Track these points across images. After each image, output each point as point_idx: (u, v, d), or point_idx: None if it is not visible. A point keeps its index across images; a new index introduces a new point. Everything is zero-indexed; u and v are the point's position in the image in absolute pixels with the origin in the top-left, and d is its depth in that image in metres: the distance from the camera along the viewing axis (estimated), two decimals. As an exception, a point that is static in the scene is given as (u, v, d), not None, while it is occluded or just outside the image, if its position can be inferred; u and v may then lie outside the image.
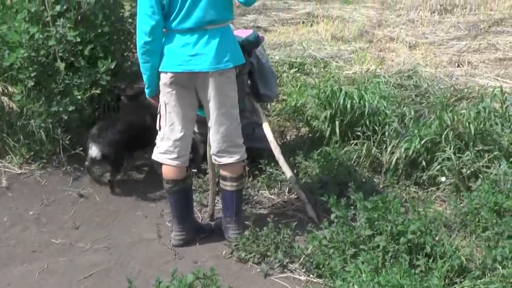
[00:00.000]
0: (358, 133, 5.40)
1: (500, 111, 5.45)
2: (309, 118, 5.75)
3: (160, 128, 4.23)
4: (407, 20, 9.48)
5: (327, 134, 5.48)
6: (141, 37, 3.98)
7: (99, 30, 5.43)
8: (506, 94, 5.70)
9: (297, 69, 7.21)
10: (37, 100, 5.23)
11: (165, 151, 4.22)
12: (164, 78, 4.06)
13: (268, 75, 5.10)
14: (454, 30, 9.04)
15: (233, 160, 4.21)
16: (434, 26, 9.21)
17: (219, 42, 3.96)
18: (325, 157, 5.17)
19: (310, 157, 5.23)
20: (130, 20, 5.76)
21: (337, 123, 5.46)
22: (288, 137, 5.76)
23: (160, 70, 4.06)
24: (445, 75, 7.15)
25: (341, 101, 5.52)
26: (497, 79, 7.09)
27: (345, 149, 5.35)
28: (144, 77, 4.15)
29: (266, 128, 4.94)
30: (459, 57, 7.88)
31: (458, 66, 7.63)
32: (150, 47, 3.99)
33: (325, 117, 5.55)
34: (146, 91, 4.24)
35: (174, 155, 4.21)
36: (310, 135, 5.71)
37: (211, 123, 4.13)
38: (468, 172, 4.83)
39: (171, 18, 3.97)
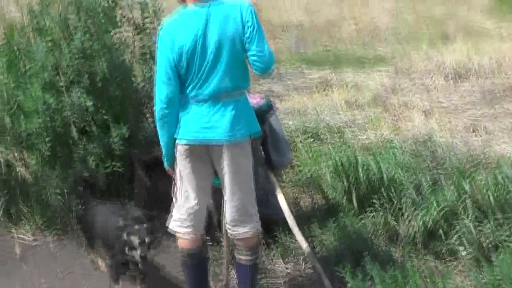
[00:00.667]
0: (374, 202, 5.34)
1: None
2: (324, 187, 5.69)
3: (175, 197, 4.19)
4: (422, 86, 9.46)
5: (343, 203, 5.42)
6: (158, 105, 3.99)
7: (112, 97, 5.45)
8: (524, 162, 5.64)
9: (311, 136, 7.17)
10: (52, 167, 5.22)
11: (179, 221, 4.17)
12: (179, 147, 4.05)
13: (281, 143, 5.08)
14: (469, 96, 9.00)
15: (247, 230, 4.15)
16: (448, 92, 9.18)
17: (235, 113, 3.94)
18: (340, 227, 5.10)
19: (326, 226, 5.17)
20: (144, 86, 5.78)
21: (353, 193, 5.40)
22: (302, 206, 5.69)
23: (175, 139, 4.04)
24: (461, 142, 7.08)
25: (358, 171, 5.48)
26: (515, 146, 7.02)
27: (361, 217, 5.29)
28: (162, 144, 4.13)
29: (280, 196, 4.89)
30: (475, 123, 7.83)
31: (474, 132, 7.56)
32: (166, 116, 4.00)
33: (341, 186, 5.50)
34: (165, 161, 4.21)
35: (188, 225, 4.16)
36: (325, 204, 5.65)
37: (226, 193, 4.10)
38: (488, 243, 4.74)
39: (187, 87, 3.96)
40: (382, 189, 5.41)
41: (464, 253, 4.81)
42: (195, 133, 3.98)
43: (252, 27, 3.91)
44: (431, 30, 13.55)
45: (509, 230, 4.77)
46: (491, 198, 4.97)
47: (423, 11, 15.22)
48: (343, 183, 5.49)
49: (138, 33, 5.90)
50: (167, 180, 4.87)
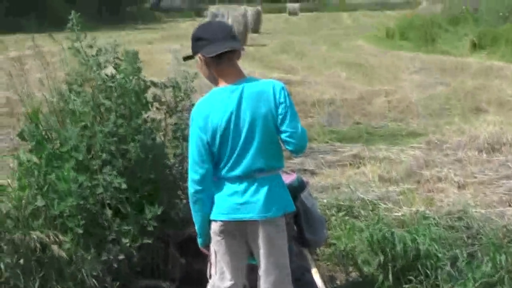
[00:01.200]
0: (410, 277, 5.30)
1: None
2: (359, 263, 5.68)
3: (210, 276, 4.20)
4: (455, 159, 9.44)
5: (379, 279, 5.39)
6: (192, 186, 4.02)
7: (145, 178, 5.52)
8: None
9: (345, 212, 7.17)
10: (87, 247, 5.26)
11: None
12: (214, 226, 4.07)
13: (315, 220, 5.08)
14: (503, 169, 8.97)
15: None
16: (482, 165, 9.15)
17: (268, 190, 3.97)
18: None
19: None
20: (176, 166, 5.86)
21: (389, 268, 5.38)
22: (338, 282, 5.67)
23: (210, 218, 4.07)
24: (497, 216, 7.04)
25: (392, 244, 5.46)
26: (551, 218, 6.95)
27: (398, 294, 5.25)
28: (196, 226, 4.17)
29: (315, 274, 4.88)
30: (510, 196, 7.78)
31: (510, 205, 7.51)
32: (200, 196, 4.02)
33: (376, 261, 5.48)
34: (199, 240, 4.24)
35: None
36: (360, 279, 5.62)
37: (261, 271, 4.10)
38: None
39: (221, 166, 4.01)
40: (418, 264, 5.39)
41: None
42: (229, 210, 4.00)
43: (284, 105, 3.96)
44: (463, 103, 13.60)
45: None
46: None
47: (454, 84, 15.32)
48: (379, 258, 5.47)
49: (170, 115, 6.00)
50: (202, 259, 4.91)
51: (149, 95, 5.76)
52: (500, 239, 6.08)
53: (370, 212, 7.29)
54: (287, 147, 4.03)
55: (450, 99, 14.07)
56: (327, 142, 10.81)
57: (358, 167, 9.26)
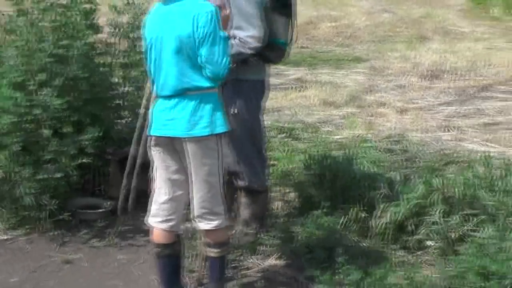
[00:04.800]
0: (347, 198, 5.41)
1: (487, 175, 5.46)
2: (297, 183, 5.76)
3: (152, 191, 4.24)
4: (397, 85, 9.57)
5: (316, 199, 5.48)
6: None
7: (86, 98, 5.49)
8: (493, 159, 5.73)
9: (286, 134, 7.24)
10: (24, 166, 5.23)
11: (154, 214, 4.22)
12: (149, 140, 4.13)
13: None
14: (443, 96, 9.13)
15: (210, 227, 4.16)
16: (423, 92, 9.30)
17: (195, 109, 3.97)
18: (313, 222, 5.16)
19: (298, 221, 5.23)
20: (122, 86, 5.85)
21: (326, 188, 5.48)
22: (277, 203, 5.75)
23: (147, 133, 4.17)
24: (434, 140, 7.19)
25: (330, 166, 5.55)
26: (485, 144, 7.13)
27: (334, 213, 5.34)
28: None
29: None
30: (448, 122, 7.94)
31: (447, 131, 7.67)
32: None
33: (314, 182, 5.57)
34: None
35: (161, 218, 4.18)
36: (298, 199, 5.71)
37: (190, 188, 4.13)
38: (455, 236, 4.83)
39: (155, 84, 4.10)
40: (355, 185, 5.49)
41: (431, 243, 4.90)
42: (160, 127, 4.05)
43: (204, 29, 3.92)
44: (408, 31, 13.68)
45: (475, 224, 4.85)
46: (459, 193, 5.06)
47: (400, 12, 15.36)
48: (317, 178, 5.56)
49: (124, 37, 5.96)
50: (142, 178, 4.95)
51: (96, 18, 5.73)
52: (435, 162, 6.22)
53: (311, 134, 7.36)
54: (204, 71, 4.00)
55: (396, 27, 14.15)
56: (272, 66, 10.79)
57: (301, 91, 9.32)
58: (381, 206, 5.21)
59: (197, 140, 3.99)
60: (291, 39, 5.03)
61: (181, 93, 3.99)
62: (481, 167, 5.64)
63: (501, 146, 7.11)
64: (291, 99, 8.78)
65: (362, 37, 13.21)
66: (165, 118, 4.01)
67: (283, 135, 7.19)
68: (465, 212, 4.97)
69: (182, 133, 3.98)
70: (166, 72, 3.99)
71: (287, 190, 5.84)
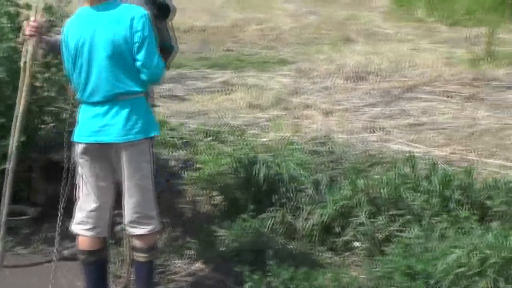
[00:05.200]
0: (273, 201, 5.41)
1: (412, 176, 5.52)
2: (224, 186, 5.73)
3: (77, 198, 4.16)
4: (322, 87, 9.62)
5: (242, 202, 5.47)
6: None
7: (9, 103, 5.35)
8: (417, 159, 5.81)
9: (212, 137, 7.20)
10: None
11: (80, 221, 4.15)
12: (77, 148, 4.04)
13: None
14: (368, 97, 9.21)
15: (144, 232, 4.12)
16: (348, 93, 9.37)
17: (129, 114, 3.94)
18: (239, 225, 5.15)
19: (225, 225, 5.21)
20: (44, 90, 5.73)
21: (252, 191, 5.47)
22: (202, 205, 5.71)
23: (73, 140, 4.06)
24: (359, 141, 7.25)
25: (256, 169, 5.55)
26: (410, 144, 7.22)
27: (260, 215, 5.34)
28: None
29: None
30: (373, 123, 8.02)
31: (372, 132, 7.74)
32: None
33: (240, 185, 5.56)
34: None
35: (89, 226, 4.13)
36: (224, 203, 5.68)
37: (123, 193, 4.08)
38: (381, 236, 4.87)
39: (81, 90, 4.00)
40: (282, 187, 5.50)
41: (357, 244, 4.94)
42: (91, 134, 3.97)
43: (141, 34, 3.91)
44: (333, 33, 13.80)
45: (401, 224, 4.91)
46: (385, 194, 5.11)
47: (325, 14, 15.49)
48: (242, 181, 5.55)
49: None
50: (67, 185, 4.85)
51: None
52: (361, 163, 6.27)
53: (238, 137, 7.35)
54: (140, 75, 3.97)
55: (321, 29, 14.24)
56: (198, 69, 10.77)
57: (228, 94, 9.30)
58: (308, 208, 5.25)
59: (132, 144, 3.98)
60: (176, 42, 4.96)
61: (113, 99, 3.95)
62: (406, 168, 5.71)
63: (425, 146, 7.20)
64: (217, 102, 8.75)
65: (288, 39, 13.26)
66: (97, 124, 3.96)
67: (209, 138, 7.16)
68: (391, 212, 5.04)
69: (118, 139, 3.94)
70: (97, 77, 3.92)
71: (214, 194, 5.81)
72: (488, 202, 5.19)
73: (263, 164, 5.60)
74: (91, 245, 4.18)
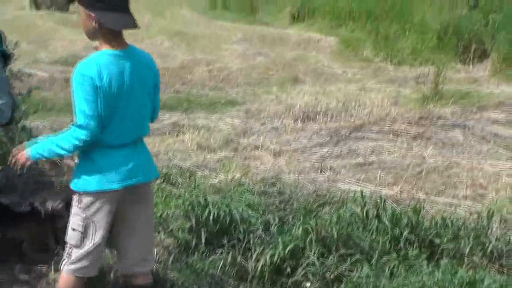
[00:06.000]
0: (224, 242, 5.40)
1: (361, 215, 5.58)
2: (174, 229, 5.71)
3: (77, 246, 4.08)
4: (272, 128, 9.68)
5: (193, 244, 5.45)
6: (80, 137, 3.90)
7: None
8: (366, 198, 5.87)
9: (162, 179, 7.16)
10: None
11: (83, 267, 4.11)
12: (102, 196, 4.01)
13: None
14: (317, 137, 9.28)
15: (151, 266, 4.40)
16: (297, 134, 9.44)
17: (148, 154, 4.24)
18: (190, 267, 5.12)
19: (176, 268, 5.18)
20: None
21: (202, 233, 5.46)
22: (156, 249, 5.66)
23: (98, 189, 3.98)
24: (308, 181, 7.29)
25: (207, 211, 5.55)
26: (358, 184, 7.29)
27: (211, 258, 5.32)
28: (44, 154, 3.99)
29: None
30: (322, 163, 8.08)
31: (321, 172, 7.79)
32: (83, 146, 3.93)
33: (190, 227, 5.55)
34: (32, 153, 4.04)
35: (93, 270, 4.18)
36: (176, 245, 5.65)
37: (134, 233, 4.18)
38: (332, 276, 4.89)
39: (109, 132, 3.93)
40: (232, 229, 5.50)
41: (308, 284, 4.95)
42: (123, 178, 3.98)
43: (158, 79, 4.16)
44: (281, 74, 13.91)
45: (351, 263, 4.94)
46: (334, 233, 5.15)
47: (274, 55, 15.62)
48: (192, 223, 5.54)
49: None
50: (18, 229, 4.82)
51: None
52: (310, 203, 6.31)
53: (187, 179, 7.33)
54: (152, 116, 4.23)
55: (269, 70, 14.33)
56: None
57: (177, 135, 9.29)
58: (258, 249, 5.24)
59: (150, 182, 4.25)
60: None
61: (137, 140, 4.06)
62: (355, 207, 5.76)
63: (374, 185, 7.28)
64: (167, 144, 8.73)
65: (237, 80, 13.31)
66: (128, 166, 4.00)
67: (159, 181, 7.12)
68: (341, 252, 5.07)
69: (151, 176, 4.19)
70: (131, 120, 3.96)
71: (164, 236, 5.77)
72: (437, 240, 5.27)
73: (213, 206, 5.60)
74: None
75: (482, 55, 14.85)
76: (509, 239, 5.50)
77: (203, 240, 5.40)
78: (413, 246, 5.17)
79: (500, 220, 5.85)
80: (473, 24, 15.48)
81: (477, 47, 14.80)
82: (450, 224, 5.49)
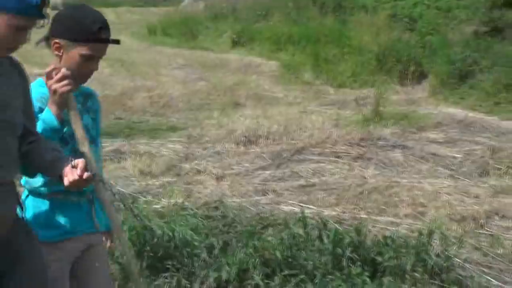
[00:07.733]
0: (168, 266, 5.37)
1: (304, 236, 5.61)
2: (117, 255, 5.65)
3: None
4: (214, 152, 9.70)
5: (136, 270, 5.39)
6: None
7: None
8: (308, 220, 5.91)
9: (105, 206, 7.10)
10: None
11: None
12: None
13: None
14: (259, 160, 9.32)
15: None
16: (239, 157, 9.47)
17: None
18: (134, 293, 5.08)
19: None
20: None
21: (146, 257, 5.42)
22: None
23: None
24: (251, 204, 7.31)
25: (150, 235, 5.52)
26: (301, 205, 7.33)
27: (156, 282, 5.29)
28: None
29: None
30: (264, 186, 8.11)
31: (264, 194, 7.83)
32: None
33: (134, 252, 5.50)
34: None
35: None
36: (118, 271, 5.59)
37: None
38: (276, 297, 4.91)
39: None
40: (176, 253, 5.47)
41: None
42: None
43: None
44: (222, 98, 13.97)
45: (295, 284, 4.96)
46: (278, 255, 5.16)
47: (214, 80, 15.68)
48: (136, 249, 5.49)
49: None
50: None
51: None
52: (253, 226, 6.32)
53: (130, 205, 7.27)
54: None
55: (210, 94, 14.39)
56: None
57: (119, 162, 9.23)
58: (202, 272, 5.23)
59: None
60: None
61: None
62: (298, 228, 5.79)
63: (316, 206, 7.34)
64: (109, 171, 8.65)
65: (177, 106, 13.33)
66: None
67: (101, 208, 7.05)
68: (285, 272, 5.08)
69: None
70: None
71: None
72: (379, 258, 5.33)
73: (156, 231, 5.57)
74: None
75: (420, 77, 15.17)
76: (449, 255, 5.58)
77: (147, 265, 5.35)
78: (356, 265, 5.22)
79: (440, 237, 5.93)
80: (411, 46, 15.80)
81: (415, 68, 15.11)
82: (391, 242, 5.56)
